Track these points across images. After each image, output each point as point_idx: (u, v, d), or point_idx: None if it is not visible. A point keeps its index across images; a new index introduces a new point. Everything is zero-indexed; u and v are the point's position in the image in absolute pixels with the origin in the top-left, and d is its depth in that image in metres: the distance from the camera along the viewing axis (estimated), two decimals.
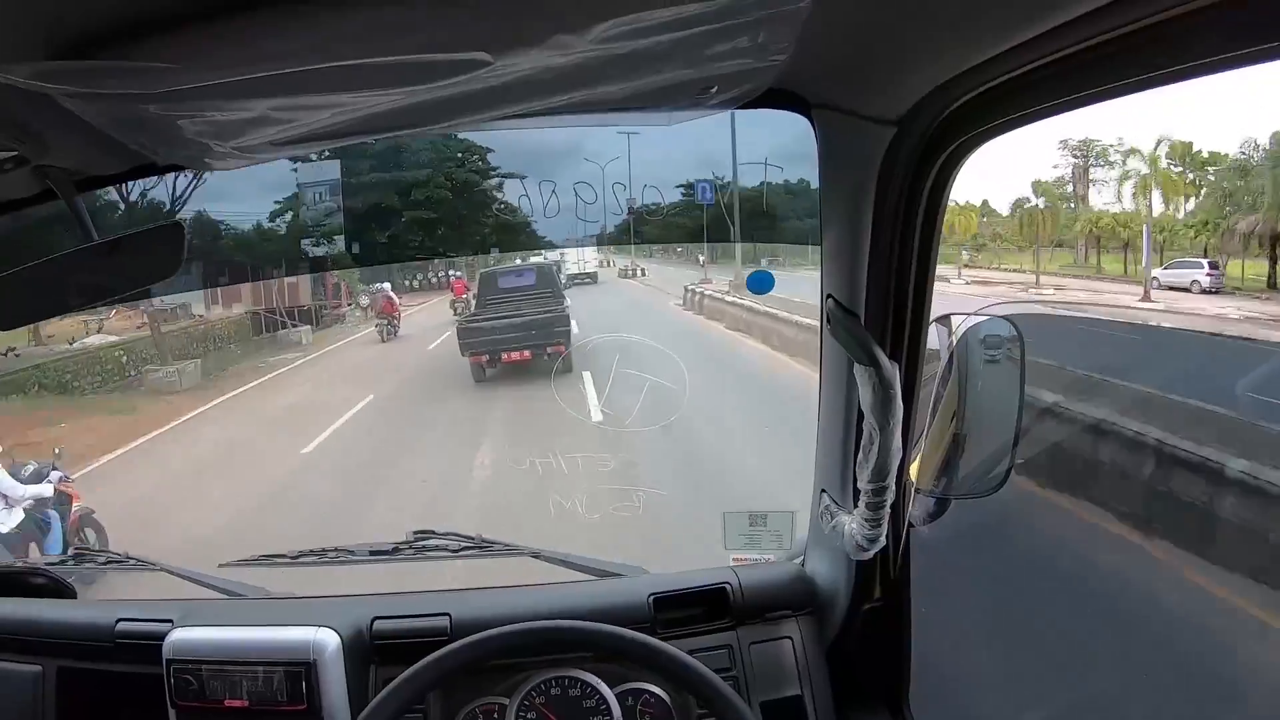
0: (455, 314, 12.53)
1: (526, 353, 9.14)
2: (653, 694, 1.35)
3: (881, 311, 1.16)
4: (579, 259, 14.50)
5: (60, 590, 1.64)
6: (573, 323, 9.51)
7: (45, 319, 1.40)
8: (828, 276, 1.21)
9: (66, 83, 0.78)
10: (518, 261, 11.83)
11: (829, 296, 1.19)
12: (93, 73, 0.77)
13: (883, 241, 1.11)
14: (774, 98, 1.07)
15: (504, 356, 9.24)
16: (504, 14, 0.76)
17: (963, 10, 0.80)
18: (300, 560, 1.71)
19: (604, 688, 1.33)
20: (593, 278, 14.86)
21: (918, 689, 1.39)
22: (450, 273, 15.03)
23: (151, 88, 0.80)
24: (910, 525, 1.33)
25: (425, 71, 0.84)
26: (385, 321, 13.05)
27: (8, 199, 1.21)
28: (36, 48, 0.74)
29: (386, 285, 13.95)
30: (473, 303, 11.75)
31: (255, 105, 0.89)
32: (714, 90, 1.02)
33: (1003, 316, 1.26)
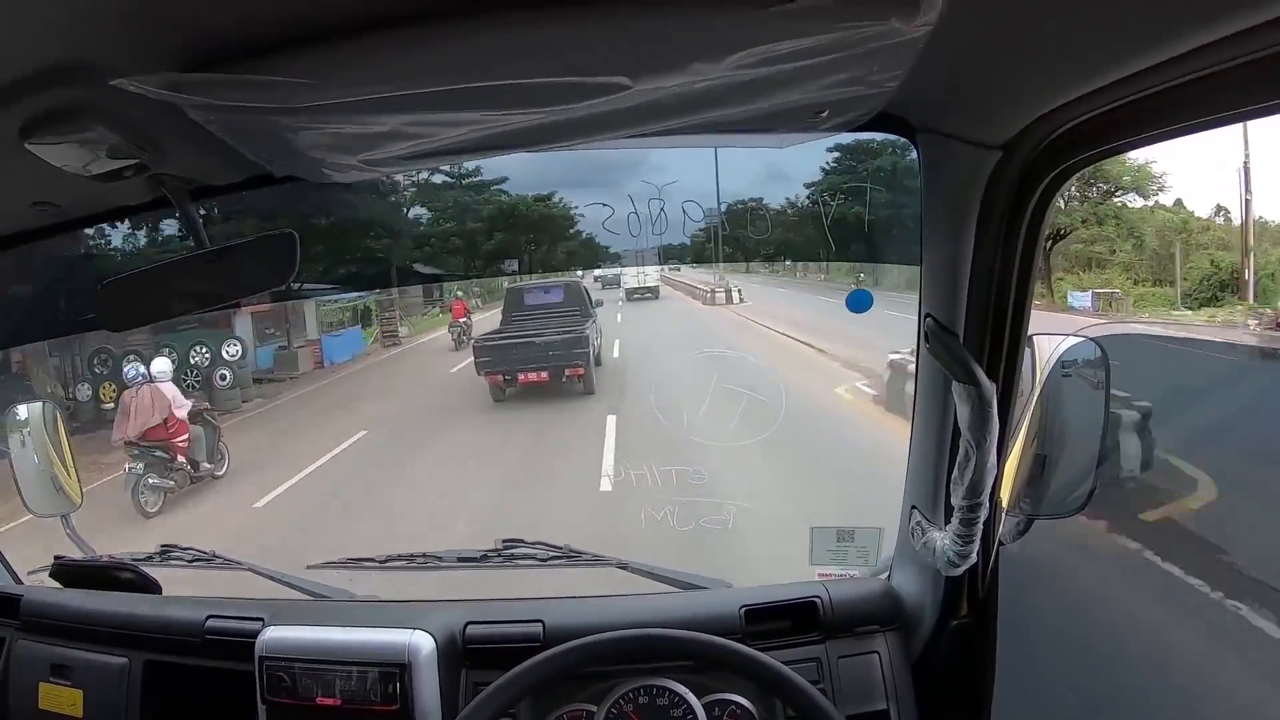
0: (453, 339, 12.06)
1: (544, 374, 8.95)
2: (740, 705, 1.35)
3: (979, 331, 1.17)
4: (639, 271, 14.03)
5: (147, 585, 1.69)
6: (596, 345, 9.18)
7: (153, 322, 1.45)
8: (927, 296, 1.22)
9: (201, 95, 0.80)
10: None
11: (928, 315, 1.21)
12: (228, 85, 0.79)
13: (983, 263, 1.13)
14: (880, 121, 1.09)
15: (520, 377, 9.05)
16: (647, 39, 0.80)
17: (1073, 42, 0.81)
18: (388, 564, 1.74)
19: (691, 697, 1.33)
20: (654, 292, 14.31)
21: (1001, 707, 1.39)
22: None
23: (287, 102, 0.83)
24: (1000, 543, 1.33)
25: (567, 93, 0.87)
26: (140, 465, 6.05)
27: (124, 204, 1.27)
28: (171, 59, 0.76)
29: (161, 368, 6.81)
30: (472, 326, 11.68)
31: (389, 120, 0.91)
32: (825, 114, 1.05)
33: (1091, 339, 1.27)
